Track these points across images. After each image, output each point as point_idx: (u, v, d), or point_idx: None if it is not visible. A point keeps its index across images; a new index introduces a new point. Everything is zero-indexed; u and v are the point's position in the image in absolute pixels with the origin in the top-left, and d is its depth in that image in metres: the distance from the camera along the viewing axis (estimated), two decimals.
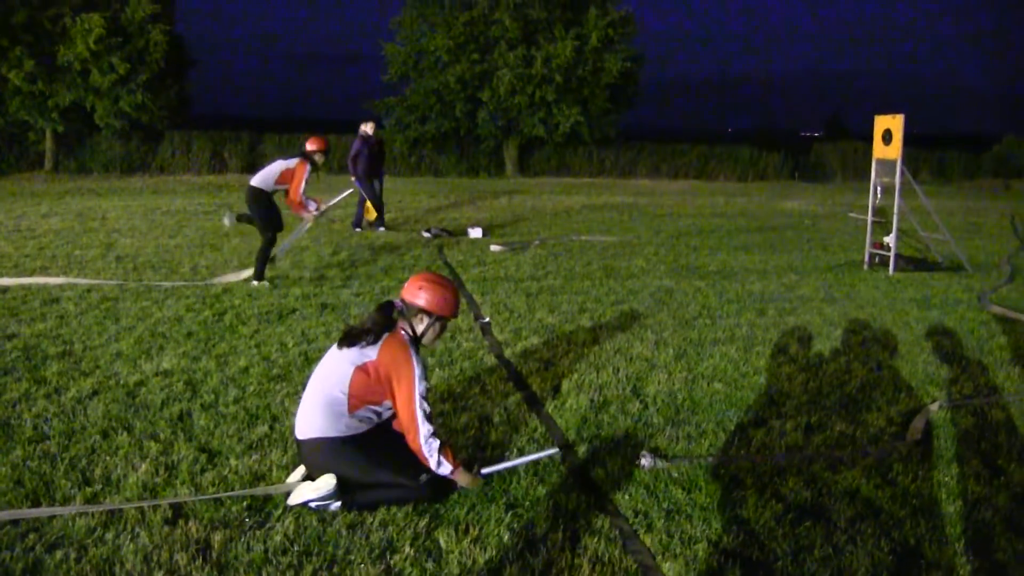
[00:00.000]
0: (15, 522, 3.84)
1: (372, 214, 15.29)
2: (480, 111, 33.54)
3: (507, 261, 11.85)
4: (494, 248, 12.92)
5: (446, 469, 4.13)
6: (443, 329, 4.50)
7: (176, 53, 31.73)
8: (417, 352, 4.25)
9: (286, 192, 9.79)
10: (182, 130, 32.89)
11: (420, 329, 4.38)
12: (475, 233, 14.75)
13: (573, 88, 33.11)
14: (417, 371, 4.13)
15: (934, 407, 5.69)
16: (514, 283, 10.11)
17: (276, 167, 9.85)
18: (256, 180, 9.80)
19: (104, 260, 11.06)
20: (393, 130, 33.67)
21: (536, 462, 4.60)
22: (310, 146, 10.01)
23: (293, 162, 9.84)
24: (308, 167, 9.79)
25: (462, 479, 4.22)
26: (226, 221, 10.16)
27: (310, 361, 6.54)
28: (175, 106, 32.36)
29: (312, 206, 10.00)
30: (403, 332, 4.29)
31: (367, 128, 15.67)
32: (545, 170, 35.56)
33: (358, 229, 14.96)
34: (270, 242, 9.72)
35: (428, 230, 14.88)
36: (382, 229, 15.06)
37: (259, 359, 6.61)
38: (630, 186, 30.87)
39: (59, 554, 3.57)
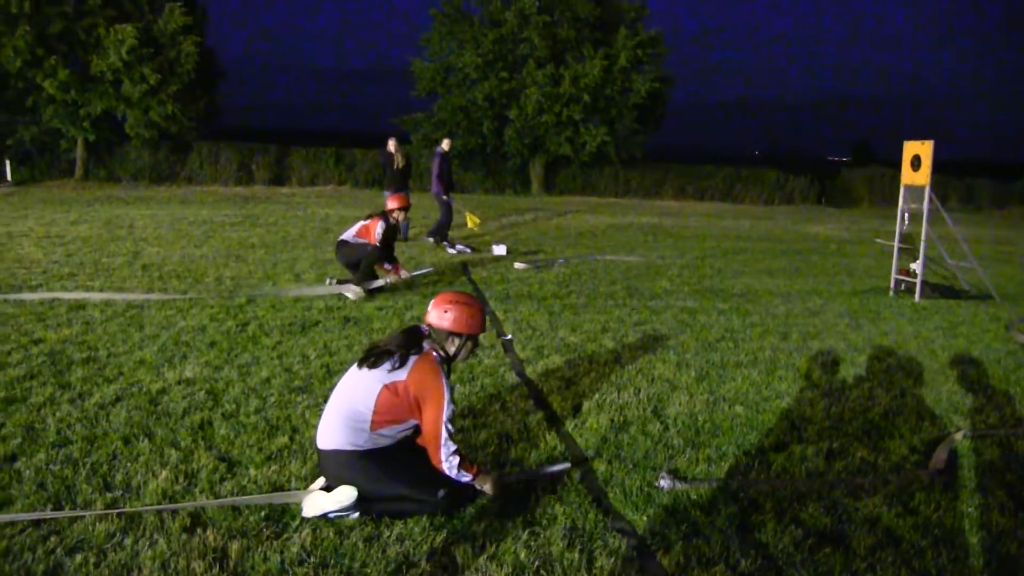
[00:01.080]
0: (37, 524, 3.88)
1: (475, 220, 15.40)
2: (507, 128, 33.62)
3: (531, 279, 11.85)
4: (518, 266, 12.93)
5: (467, 478, 4.23)
6: (475, 346, 4.56)
7: (206, 65, 32.10)
8: (447, 374, 4.29)
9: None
10: (210, 141, 33.22)
11: (452, 350, 4.44)
12: (499, 250, 14.77)
13: (600, 108, 33.17)
14: (446, 395, 4.19)
15: (958, 436, 5.63)
16: (537, 301, 10.11)
17: (357, 225, 10.47)
18: (343, 235, 10.46)
19: (130, 268, 11.16)
20: (420, 146, 33.82)
21: (557, 476, 4.62)
22: (390, 204, 10.59)
23: (369, 220, 10.36)
24: (381, 222, 10.23)
25: (485, 485, 4.30)
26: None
27: (332, 374, 6.57)
28: (204, 117, 32.72)
29: (401, 272, 10.42)
30: (434, 353, 4.31)
31: (444, 145, 15.84)
32: (571, 189, 35.60)
33: (452, 251, 14.87)
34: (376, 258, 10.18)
35: (452, 246, 14.92)
36: (469, 251, 15.02)
37: (281, 370, 6.64)
38: (655, 207, 30.85)
39: (79, 558, 3.60)
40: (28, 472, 4.47)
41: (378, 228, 10.15)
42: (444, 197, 15.71)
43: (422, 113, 34.68)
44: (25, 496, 4.19)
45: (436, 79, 34.16)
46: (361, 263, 10.06)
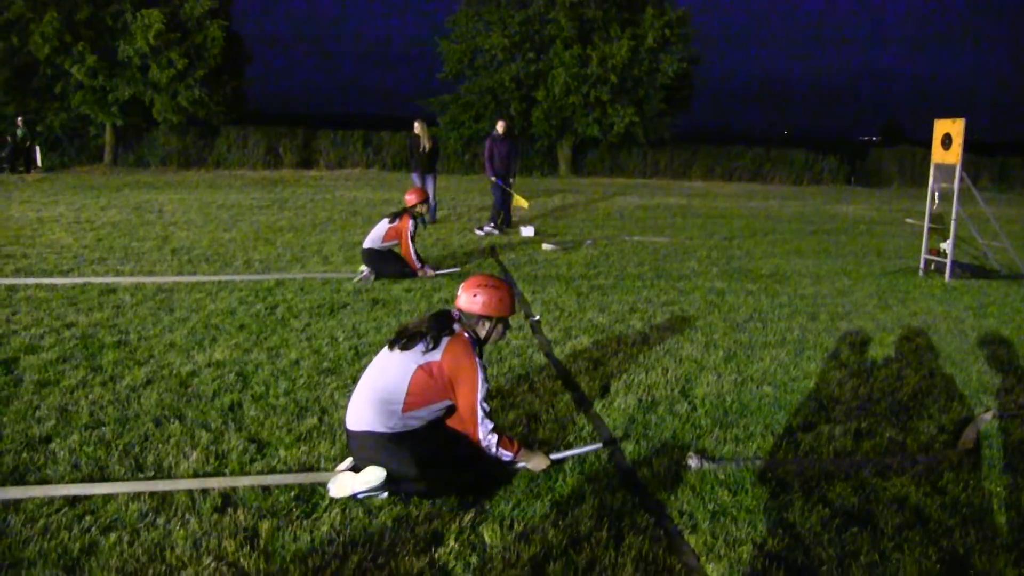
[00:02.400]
0: (72, 503, 3.94)
1: (523, 203, 15.27)
2: (535, 110, 33.51)
3: (559, 260, 11.85)
4: (546, 247, 12.93)
5: (508, 456, 4.29)
6: (506, 328, 4.59)
7: (233, 49, 32.25)
8: (480, 355, 4.32)
9: (398, 248, 10.23)
10: (238, 125, 33.40)
11: (483, 333, 4.47)
12: (527, 231, 14.76)
13: (628, 88, 32.97)
14: (480, 374, 4.22)
15: (987, 416, 5.57)
16: (565, 282, 10.11)
17: (381, 227, 10.25)
18: (368, 243, 10.18)
19: (160, 252, 11.28)
20: (447, 128, 33.80)
21: (585, 456, 4.64)
22: (410, 199, 10.42)
23: (397, 221, 10.20)
24: (411, 222, 10.16)
25: (528, 460, 4.39)
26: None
27: (360, 355, 6.61)
28: (231, 101, 32.89)
29: (428, 271, 10.28)
30: (466, 335, 4.33)
31: (499, 127, 15.71)
32: (599, 170, 35.48)
33: (480, 232, 14.89)
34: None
35: (480, 228, 14.92)
36: (497, 232, 15.01)
37: (310, 352, 6.69)
38: (684, 187, 30.68)
39: (113, 536, 3.66)
40: (62, 453, 4.54)
41: (410, 227, 10.08)
42: (492, 179, 15.58)
43: (449, 95, 34.64)
44: (60, 476, 4.27)
45: (463, 61, 34.07)
46: (394, 269, 10.03)
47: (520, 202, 15.23)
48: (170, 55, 29.17)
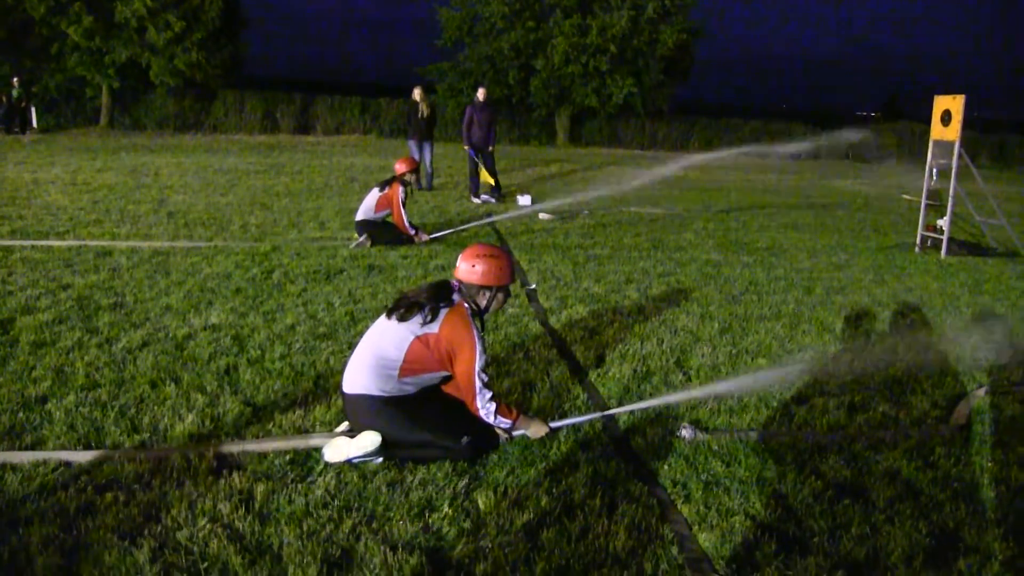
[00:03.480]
0: (69, 464, 3.96)
1: (491, 180, 15.18)
2: (533, 79, 33.34)
3: (555, 229, 11.83)
4: (543, 216, 12.90)
5: (506, 424, 4.29)
6: (507, 297, 4.58)
7: (231, 13, 31.97)
8: (480, 327, 4.32)
9: (391, 217, 10.20)
10: (235, 89, 33.21)
11: (483, 303, 4.45)
12: (524, 201, 14.73)
13: (628, 59, 32.80)
14: (479, 345, 4.22)
15: (980, 392, 5.60)
16: (561, 251, 10.10)
17: (372, 197, 10.19)
18: (360, 214, 10.14)
19: (156, 216, 11.25)
20: (445, 95, 33.61)
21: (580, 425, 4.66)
22: (400, 167, 10.31)
23: (387, 189, 10.15)
24: (401, 189, 10.11)
25: (528, 427, 4.40)
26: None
27: (356, 321, 6.62)
28: (229, 65, 32.69)
29: (423, 237, 10.28)
30: (465, 306, 4.33)
31: (480, 95, 15.66)
32: (597, 140, 35.37)
33: (477, 200, 14.90)
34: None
35: (477, 195, 14.89)
36: (493, 200, 15.00)
37: (306, 317, 6.69)
38: (682, 159, 30.58)
39: (109, 496, 3.67)
40: (58, 414, 4.55)
41: (400, 194, 10.04)
42: (466, 148, 15.62)
43: (447, 63, 34.42)
44: (56, 437, 4.28)
45: (462, 28, 33.83)
46: (389, 237, 10.02)
47: (486, 178, 15.15)
48: (167, 17, 28.93)
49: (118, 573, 3.17)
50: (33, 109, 28.02)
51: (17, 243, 9.02)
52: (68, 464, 3.96)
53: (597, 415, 4.88)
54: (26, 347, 5.64)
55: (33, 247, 8.82)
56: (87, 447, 4.19)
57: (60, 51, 29.62)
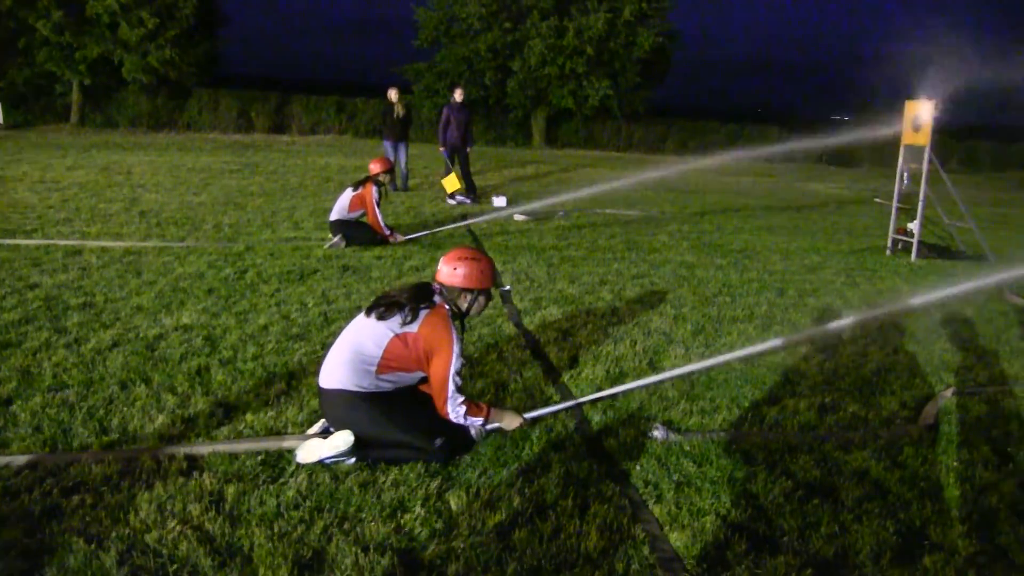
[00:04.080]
0: (34, 466, 3.91)
1: (454, 185, 15.08)
2: (510, 80, 33.29)
3: (530, 231, 11.84)
4: (518, 217, 12.90)
5: (478, 421, 4.32)
6: (488, 300, 4.59)
7: (206, 10, 31.70)
8: (459, 330, 4.32)
9: (365, 217, 10.14)
10: (210, 88, 32.94)
11: (464, 306, 4.47)
12: (499, 202, 14.73)
13: (604, 61, 32.83)
14: (456, 348, 4.22)
15: (947, 393, 5.66)
16: (536, 253, 10.11)
17: (346, 197, 10.12)
18: (334, 215, 10.08)
19: (128, 215, 11.14)
20: (421, 96, 33.52)
21: (553, 426, 4.67)
22: (374, 168, 10.29)
23: (361, 189, 10.09)
24: (375, 189, 10.06)
25: (501, 419, 4.45)
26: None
27: (330, 322, 6.59)
28: (203, 63, 32.36)
29: (398, 237, 10.25)
30: (446, 307, 4.33)
31: (457, 95, 15.61)
32: (573, 142, 35.40)
33: (452, 201, 14.83)
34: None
35: (452, 196, 14.87)
36: (468, 202, 14.95)
37: (279, 318, 6.65)
38: (657, 162, 30.68)
39: (76, 499, 3.64)
40: (23, 415, 4.50)
41: (374, 194, 10.00)
42: (441, 150, 15.62)
43: (424, 63, 34.33)
44: (21, 439, 4.22)
45: (439, 29, 33.72)
46: (364, 238, 9.97)
47: (452, 183, 15.05)
48: (141, 13, 28.59)
49: (82, 575, 3.14)
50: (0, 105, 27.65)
51: None
52: (34, 467, 3.91)
53: (572, 403, 4.92)
54: None
55: (9, 246, 8.71)
56: (53, 449, 4.14)
57: (28, 45, 29.17)
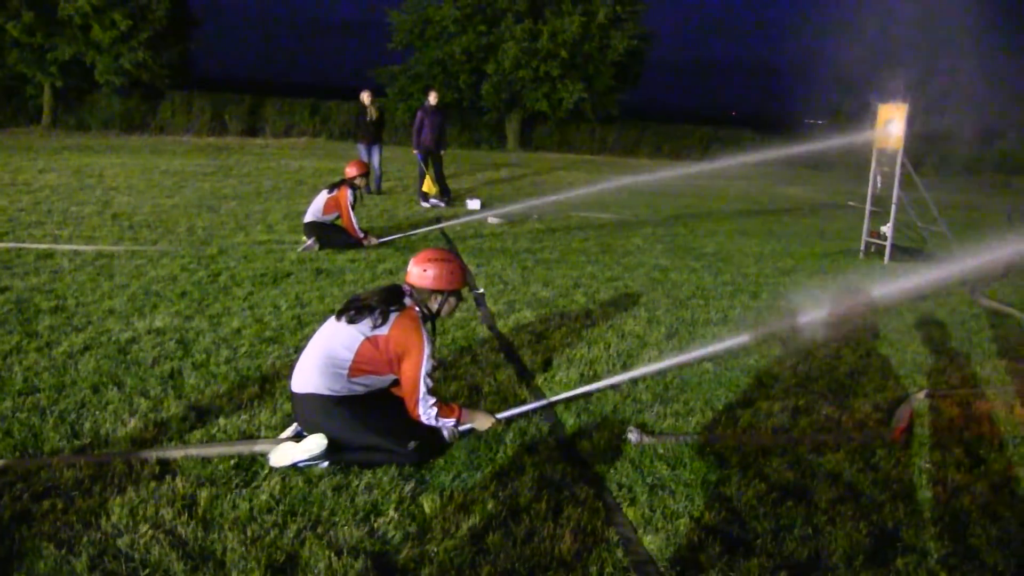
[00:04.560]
0: (3, 471, 3.87)
1: (429, 188, 15.03)
2: (484, 83, 33.30)
3: (504, 234, 11.84)
4: (492, 220, 12.90)
5: (451, 423, 4.33)
6: (459, 301, 4.59)
7: (179, 12, 31.52)
8: (430, 331, 4.33)
9: (339, 220, 10.13)
10: (183, 90, 32.73)
11: (435, 307, 4.47)
12: (473, 205, 14.73)
13: (578, 64, 32.90)
14: (426, 350, 4.23)
15: (920, 395, 5.72)
16: (510, 256, 10.11)
17: (320, 199, 10.12)
18: (309, 216, 10.08)
19: (100, 218, 11.03)
20: (395, 99, 33.47)
21: (526, 428, 4.67)
22: (350, 171, 10.29)
23: (335, 192, 10.09)
24: (350, 192, 10.07)
25: (473, 420, 4.48)
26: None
27: (303, 325, 6.56)
28: (176, 66, 32.17)
29: (372, 240, 10.25)
30: (416, 310, 4.33)
31: (431, 98, 15.58)
32: (547, 145, 35.44)
33: (426, 204, 14.80)
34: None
35: (426, 199, 14.85)
36: (442, 204, 14.91)
37: (252, 321, 6.62)
38: (631, 165, 30.78)
39: (47, 504, 3.60)
40: (3, 420, 4.46)
41: (349, 197, 10.00)
42: (415, 152, 15.60)
43: (398, 66, 34.27)
44: None
45: (414, 31, 33.67)
46: (338, 241, 9.94)
47: (429, 186, 15.06)
48: (113, 15, 28.36)
49: None
50: None
51: None
52: (3, 471, 3.87)
53: (544, 402, 4.95)
54: None
55: None
56: (24, 454, 4.10)
57: None
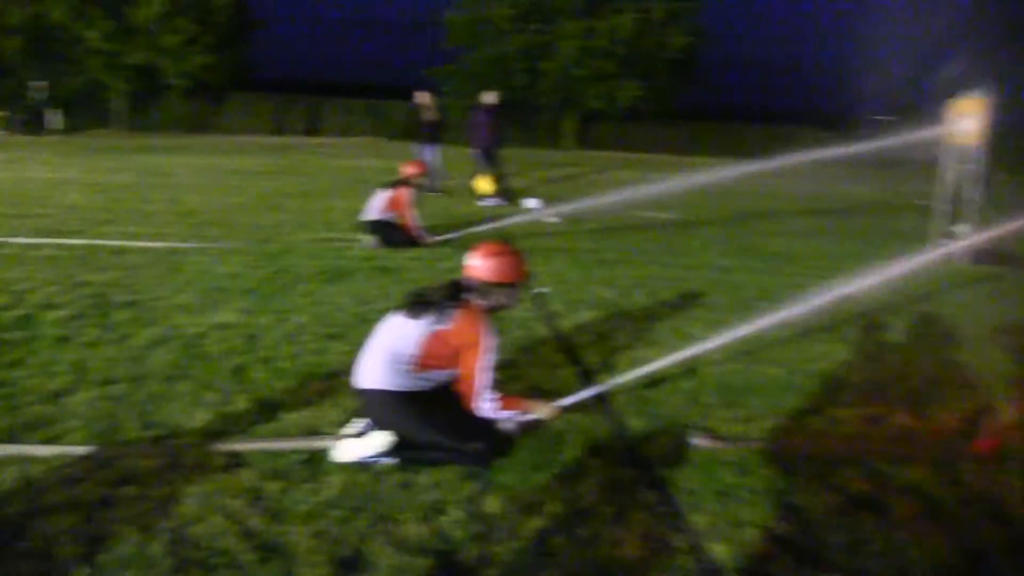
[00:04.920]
0: (88, 457, 4.02)
1: (486, 187, 15.07)
2: (540, 82, 33.27)
3: (563, 233, 11.81)
4: (550, 219, 12.87)
5: (513, 414, 4.31)
6: (519, 294, 4.55)
7: (241, 16, 32.23)
8: (492, 325, 4.31)
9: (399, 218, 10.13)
10: (246, 91, 33.39)
11: (494, 301, 4.43)
12: (531, 204, 14.70)
13: (635, 61, 32.69)
14: (489, 343, 4.20)
15: (1003, 406, 5.50)
16: (569, 255, 10.08)
17: (381, 197, 10.12)
18: (369, 214, 10.09)
19: (169, 215, 11.28)
20: (452, 98, 33.61)
21: (590, 429, 4.63)
22: (410, 170, 10.38)
23: (396, 191, 10.12)
24: (411, 190, 10.12)
25: (536, 410, 4.44)
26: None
27: (366, 322, 6.59)
28: (239, 68, 32.88)
29: (431, 238, 10.25)
30: (478, 303, 4.32)
31: (487, 97, 15.60)
32: (604, 144, 35.31)
33: (484, 203, 14.85)
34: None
35: (483, 198, 14.87)
36: (501, 203, 14.93)
37: (315, 317, 6.69)
38: (690, 163, 30.48)
39: (126, 490, 3.72)
40: (78, 407, 4.63)
41: (410, 197, 10.07)
42: (474, 151, 15.62)
43: (454, 65, 34.42)
44: (75, 431, 4.33)
45: (469, 31, 33.78)
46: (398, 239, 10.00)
47: (484, 185, 15.00)
48: (180, 21, 29.20)
49: (135, 564, 3.22)
50: (54, 112, 28.43)
51: (37, 240, 9.18)
52: (88, 458, 4.01)
53: (606, 386, 5.04)
54: (45, 342, 5.72)
55: (52, 244, 8.94)
56: (104, 441, 4.23)
57: (79, 55, 30.00)
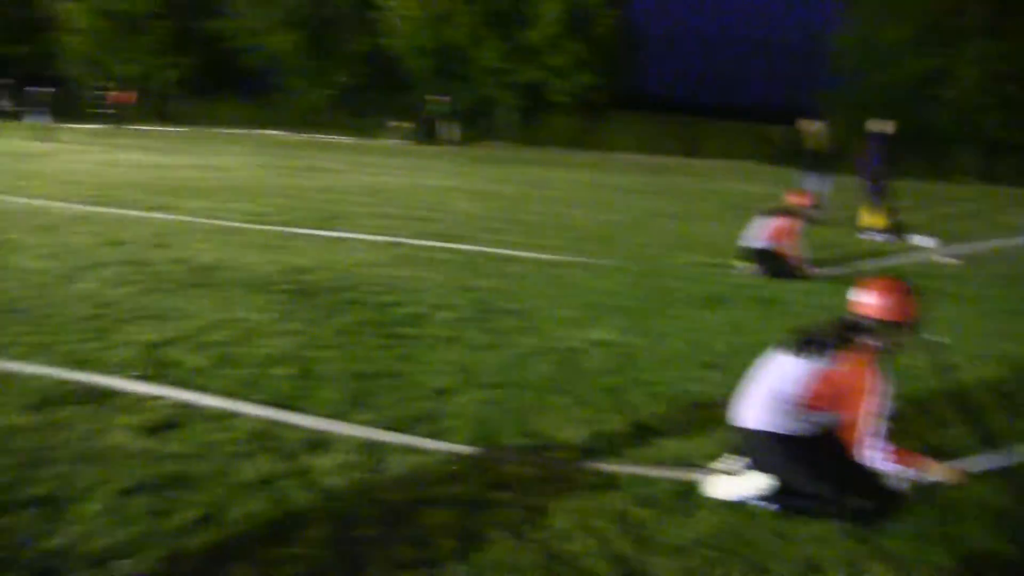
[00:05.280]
0: (469, 457, 4.26)
1: (873, 220, 14.41)
2: (937, 109, 30.76)
3: (958, 276, 10.76)
4: (943, 260, 11.79)
5: (903, 469, 3.90)
6: (912, 338, 4.16)
7: (625, 37, 33.38)
8: (884, 369, 3.97)
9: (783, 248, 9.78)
10: (627, 110, 34.41)
11: (885, 342, 4.08)
12: (924, 242, 13.56)
13: None
14: (881, 388, 3.87)
15: None
16: (971, 302, 9.11)
17: (766, 225, 9.79)
18: (752, 241, 9.81)
19: (549, 227, 11.83)
20: (838, 125, 32.14)
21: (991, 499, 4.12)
22: (798, 200, 10.14)
23: (783, 219, 9.79)
24: (800, 221, 9.80)
25: (935, 471, 3.99)
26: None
27: (743, 353, 6.39)
28: (622, 88, 34.02)
29: (816, 271, 9.87)
30: (871, 344, 4.02)
31: (879, 125, 14.98)
32: (1008, 179, 31.86)
33: (870, 237, 14.28)
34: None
35: (869, 232, 13.99)
36: (889, 239, 14.23)
37: (691, 344, 6.61)
38: None
39: (501, 495, 3.87)
40: (462, 408, 4.92)
41: (800, 229, 9.69)
42: (867, 182, 14.78)
43: (842, 90, 32.90)
44: (455, 430, 4.60)
45: (858, 54, 32.09)
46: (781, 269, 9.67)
47: (873, 218, 13.87)
48: (568, 43, 30.94)
49: (507, 570, 3.31)
50: (450, 124, 31.42)
51: (432, 244, 10.05)
52: (468, 457, 4.24)
53: (1018, 455, 4.46)
54: (434, 341, 6.17)
55: (443, 248, 9.73)
56: (483, 444, 4.45)
57: (475, 73, 32.90)
